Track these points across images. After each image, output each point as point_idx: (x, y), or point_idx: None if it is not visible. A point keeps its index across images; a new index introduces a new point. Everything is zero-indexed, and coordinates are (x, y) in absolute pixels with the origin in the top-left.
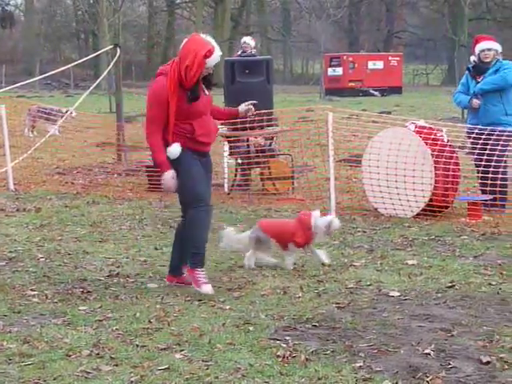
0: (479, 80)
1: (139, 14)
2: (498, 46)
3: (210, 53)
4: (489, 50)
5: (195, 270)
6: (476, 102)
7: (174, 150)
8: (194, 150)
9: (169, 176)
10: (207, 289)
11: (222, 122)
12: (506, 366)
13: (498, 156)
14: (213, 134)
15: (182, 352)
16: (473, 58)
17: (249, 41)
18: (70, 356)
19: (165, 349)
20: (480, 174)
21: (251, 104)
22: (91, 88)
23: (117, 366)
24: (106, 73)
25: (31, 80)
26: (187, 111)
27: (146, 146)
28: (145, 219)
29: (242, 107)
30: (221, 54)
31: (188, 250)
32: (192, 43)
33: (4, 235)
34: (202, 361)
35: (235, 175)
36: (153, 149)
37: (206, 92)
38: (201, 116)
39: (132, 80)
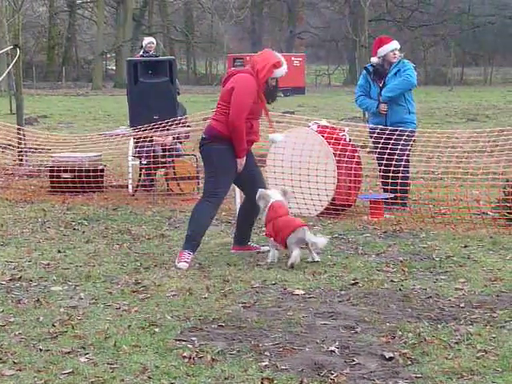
0: (380, 84)
1: (39, 15)
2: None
3: (279, 64)
4: (398, 50)
5: (185, 251)
6: (384, 107)
7: (278, 137)
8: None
9: (243, 161)
10: (182, 266)
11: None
12: (409, 362)
13: (399, 155)
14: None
15: (87, 355)
16: (375, 61)
17: (154, 41)
18: None
19: (69, 352)
20: (382, 173)
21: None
22: None
23: (20, 370)
24: (5, 74)
25: None
26: (252, 110)
27: (47, 148)
28: (47, 222)
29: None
30: (287, 70)
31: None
32: (266, 54)
33: None
34: (108, 364)
35: (140, 175)
36: (241, 133)
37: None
38: (258, 118)
39: (33, 81)
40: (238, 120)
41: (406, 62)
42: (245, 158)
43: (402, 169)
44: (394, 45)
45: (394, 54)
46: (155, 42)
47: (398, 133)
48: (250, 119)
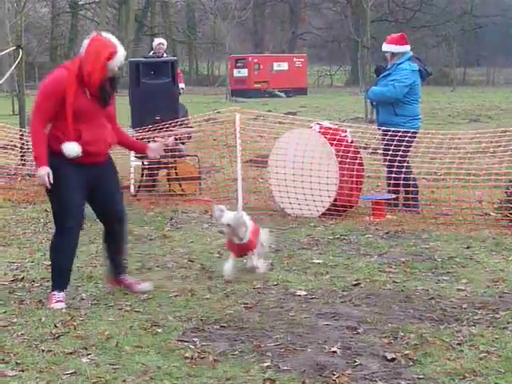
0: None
1: (42, 16)
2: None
3: (112, 55)
4: (390, 53)
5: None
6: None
7: (71, 147)
8: (80, 161)
9: (43, 172)
10: (57, 306)
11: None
12: (411, 363)
13: (392, 156)
14: (103, 143)
15: (89, 356)
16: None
17: (164, 42)
18: None
19: (71, 353)
20: (386, 174)
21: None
22: None
23: (23, 371)
24: (8, 75)
25: None
26: (79, 113)
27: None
28: (49, 223)
29: (153, 146)
30: (125, 53)
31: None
32: (93, 45)
33: None
34: (110, 364)
35: (141, 176)
36: (33, 138)
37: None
38: (92, 122)
39: (35, 82)
40: (32, 123)
41: (402, 66)
42: (46, 168)
43: (404, 170)
44: (384, 47)
45: (386, 56)
46: (165, 44)
47: (390, 134)
48: (77, 126)
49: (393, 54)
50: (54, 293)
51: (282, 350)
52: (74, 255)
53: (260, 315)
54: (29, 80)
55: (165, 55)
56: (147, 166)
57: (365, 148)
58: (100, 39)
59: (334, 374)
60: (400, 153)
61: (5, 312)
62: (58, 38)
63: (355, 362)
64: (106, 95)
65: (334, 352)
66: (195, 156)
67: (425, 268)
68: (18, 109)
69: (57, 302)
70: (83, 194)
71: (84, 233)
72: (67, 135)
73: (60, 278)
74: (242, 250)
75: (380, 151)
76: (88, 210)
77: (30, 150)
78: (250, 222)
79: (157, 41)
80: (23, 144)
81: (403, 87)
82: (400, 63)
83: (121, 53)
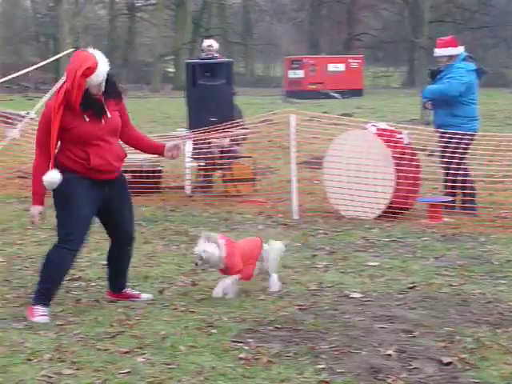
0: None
1: (100, 18)
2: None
3: (89, 70)
4: (440, 56)
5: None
6: (428, 105)
7: (51, 177)
8: (92, 178)
9: (35, 211)
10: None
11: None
12: (468, 367)
13: (449, 158)
14: (113, 160)
15: (144, 355)
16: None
17: (214, 44)
18: (31, 360)
19: (127, 352)
20: (443, 177)
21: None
22: (51, 91)
23: (78, 369)
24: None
25: None
26: (82, 138)
27: None
28: None
29: (169, 145)
30: (107, 68)
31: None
32: (73, 62)
33: None
34: (165, 364)
35: (197, 177)
36: (33, 174)
37: (109, 114)
38: (98, 141)
39: None
40: (35, 156)
41: (457, 65)
42: (39, 208)
43: (461, 172)
44: (437, 52)
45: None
46: (215, 45)
47: (448, 135)
48: (81, 149)
49: (447, 57)
50: (38, 307)
51: (337, 353)
52: (69, 270)
53: (314, 317)
54: None
55: (215, 55)
56: (203, 167)
57: (422, 150)
58: (80, 55)
59: (388, 378)
60: (457, 155)
61: (61, 311)
62: (115, 39)
63: (410, 365)
64: (99, 109)
65: (389, 355)
66: (250, 157)
67: (482, 271)
68: None
69: (41, 315)
70: (92, 208)
71: (138, 233)
72: (75, 157)
73: (49, 291)
74: (225, 274)
75: (437, 153)
76: None
77: None
78: (222, 248)
79: (206, 42)
80: None
81: (460, 84)
82: (454, 63)
83: (101, 67)
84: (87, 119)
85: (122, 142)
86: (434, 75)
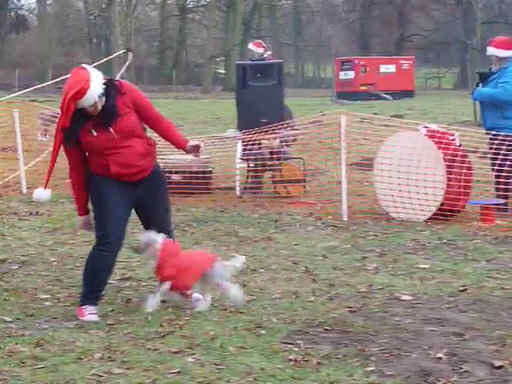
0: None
1: (151, 19)
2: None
3: (79, 94)
4: (495, 57)
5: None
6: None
7: (37, 194)
8: (119, 180)
9: (80, 222)
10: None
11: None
12: None
13: (511, 160)
14: (136, 161)
15: (194, 355)
16: None
17: (252, 47)
18: (81, 359)
19: (176, 352)
20: (495, 179)
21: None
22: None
23: (129, 369)
24: (117, 77)
25: (44, 84)
26: (95, 150)
27: (157, 150)
28: None
29: (191, 144)
30: (99, 91)
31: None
32: (67, 82)
33: (17, 239)
34: (214, 364)
35: (247, 178)
36: (72, 188)
37: (119, 119)
38: (114, 149)
39: (144, 84)
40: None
41: (510, 68)
42: (85, 217)
43: (504, 174)
44: (489, 51)
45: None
46: (252, 48)
47: (500, 138)
48: (101, 158)
49: (498, 58)
50: (86, 306)
51: (387, 355)
52: (111, 270)
53: (364, 319)
54: (138, 82)
55: (265, 54)
56: (253, 168)
57: (473, 152)
58: (73, 75)
59: (439, 381)
60: (510, 157)
61: (112, 310)
62: (166, 41)
63: (461, 368)
64: (103, 122)
65: (440, 358)
66: (300, 158)
67: None
68: None
69: (90, 314)
70: (125, 209)
71: (188, 234)
72: (99, 165)
73: (94, 292)
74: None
75: (489, 155)
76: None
77: None
78: (156, 252)
79: (249, 45)
80: None
81: None
82: (508, 67)
83: (93, 88)
84: (95, 134)
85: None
86: (484, 78)
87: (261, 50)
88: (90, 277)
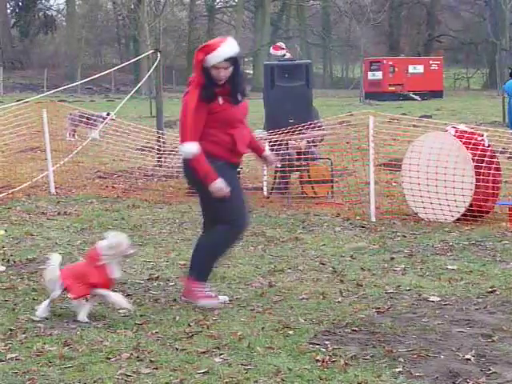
0: None
1: (180, 19)
2: None
3: (208, 48)
4: None
5: (200, 283)
6: None
7: (190, 147)
8: (232, 162)
9: (219, 185)
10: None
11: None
12: None
13: None
14: (247, 143)
15: (222, 356)
16: None
17: (272, 51)
18: (109, 359)
19: (204, 352)
20: None
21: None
22: (132, 92)
23: (156, 369)
24: (146, 77)
25: (73, 84)
26: (223, 119)
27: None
28: (184, 223)
29: (265, 154)
30: (234, 50)
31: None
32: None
33: (45, 238)
34: (242, 364)
35: (274, 178)
36: (194, 158)
37: (240, 98)
38: (238, 125)
39: (173, 85)
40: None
41: None
42: (219, 180)
43: None
44: None
45: None
46: (272, 52)
47: None
48: (226, 133)
49: None
50: (204, 286)
51: (415, 356)
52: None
53: (392, 320)
54: (166, 83)
55: (286, 56)
56: (280, 169)
57: (502, 152)
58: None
59: (467, 382)
60: None
61: (140, 310)
62: (194, 41)
63: (490, 370)
64: (235, 91)
65: (468, 359)
66: (328, 159)
67: None
68: (156, 111)
69: (207, 297)
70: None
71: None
72: (222, 142)
73: (210, 271)
74: None
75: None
76: None
77: (167, 152)
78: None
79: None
80: (160, 146)
81: None
82: None
83: (224, 48)
84: (226, 103)
85: None
86: None
87: (280, 53)
88: (215, 257)
